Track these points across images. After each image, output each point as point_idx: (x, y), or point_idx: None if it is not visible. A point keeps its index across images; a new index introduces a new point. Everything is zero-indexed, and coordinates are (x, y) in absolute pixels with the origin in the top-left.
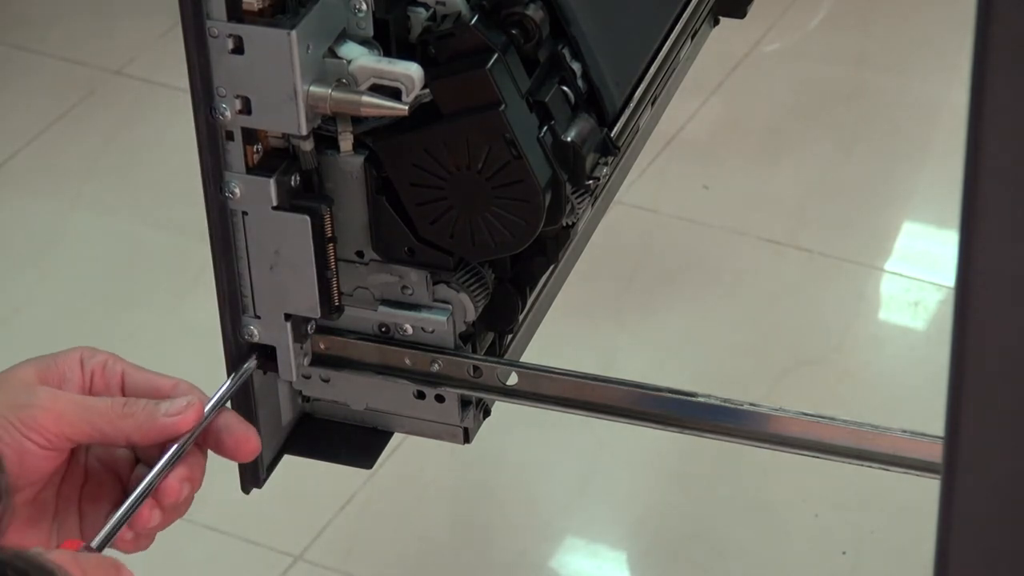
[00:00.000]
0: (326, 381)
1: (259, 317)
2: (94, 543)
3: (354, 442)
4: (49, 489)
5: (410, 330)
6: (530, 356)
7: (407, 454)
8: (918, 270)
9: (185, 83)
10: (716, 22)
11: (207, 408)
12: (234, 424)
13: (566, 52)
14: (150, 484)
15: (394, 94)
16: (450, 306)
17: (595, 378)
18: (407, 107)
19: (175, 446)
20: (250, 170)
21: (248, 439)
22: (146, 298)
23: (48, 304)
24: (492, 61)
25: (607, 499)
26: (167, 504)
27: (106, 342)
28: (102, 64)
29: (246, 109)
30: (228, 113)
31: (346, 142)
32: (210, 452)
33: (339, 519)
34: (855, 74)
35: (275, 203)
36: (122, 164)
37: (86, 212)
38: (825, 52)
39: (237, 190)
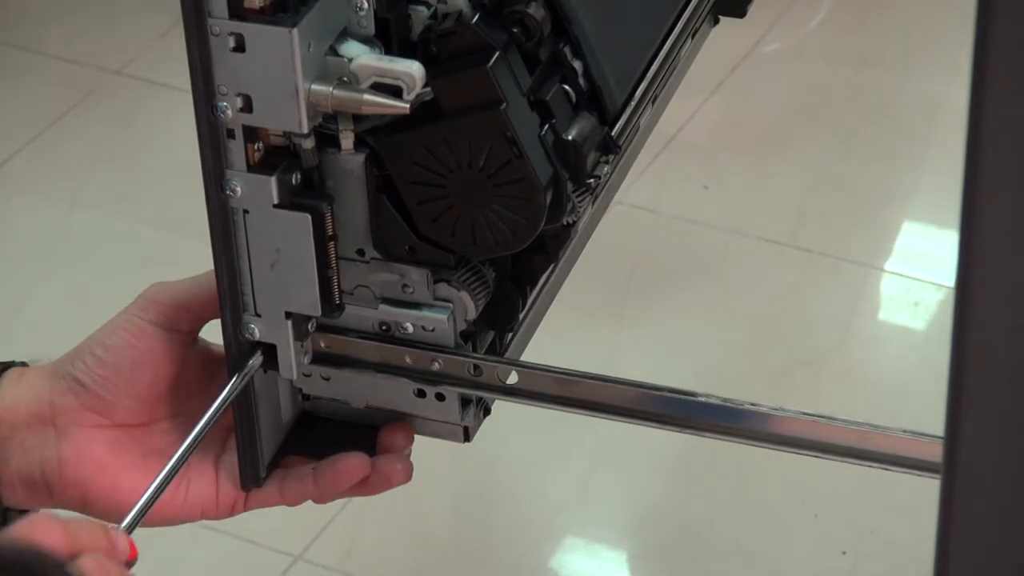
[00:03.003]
0: (327, 379)
1: (260, 315)
2: (124, 524)
3: (354, 440)
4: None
5: (411, 328)
6: (530, 355)
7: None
8: (918, 270)
9: (185, 83)
10: (716, 21)
11: (212, 410)
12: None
13: (567, 51)
14: (174, 466)
15: (395, 92)
16: (451, 304)
17: (595, 377)
18: (408, 105)
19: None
20: (251, 168)
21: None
22: None
23: (48, 304)
24: (493, 60)
25: (607, 499)
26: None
27: None
28: (102, 64)
29: (247, 107)
30: (229, 111)
31: (347, 140)
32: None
33: (339, 519)
34: (855, 74)
35: (276, 201)
36: (122, 164)
37: (86, 212)
38: (825, 52)
39: (238, 188)
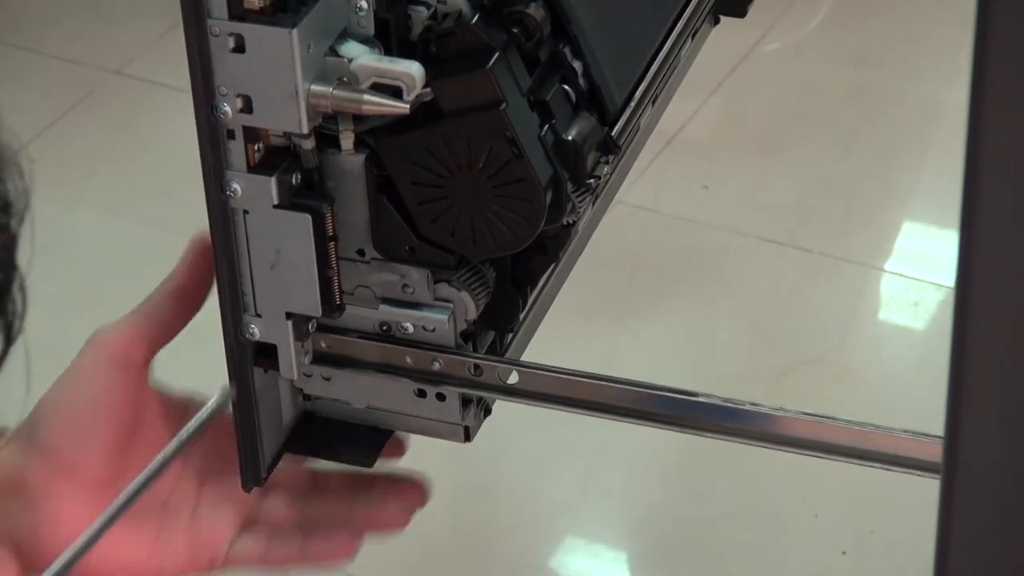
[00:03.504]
0: (327, 379)
1: (260, 316)
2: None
3: (355, 440)
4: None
5: (411, 328)
6: (530, 355)
7: (407, 453)
8: (918, 270)
9: (185, 83)
10: (716, 21)
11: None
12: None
13: (567, 51)
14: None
15: (395, 93)
16: (451, 305)
17: (595, 377)
18: (408, 106)
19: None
20: (251, 169)
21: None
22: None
23: (48, 304)
24: (493, 60)
25: (607, 499)
26: None
27: None
28: (102, 64)
29: (247, 108)
30: (229, 112)
31: (347, 141)
32: None
33: None
34: (855, 74)
35: (276, 202)
36: (122, 164)
37: (86, 212)
38: (825, 52)
39: (238, 189)
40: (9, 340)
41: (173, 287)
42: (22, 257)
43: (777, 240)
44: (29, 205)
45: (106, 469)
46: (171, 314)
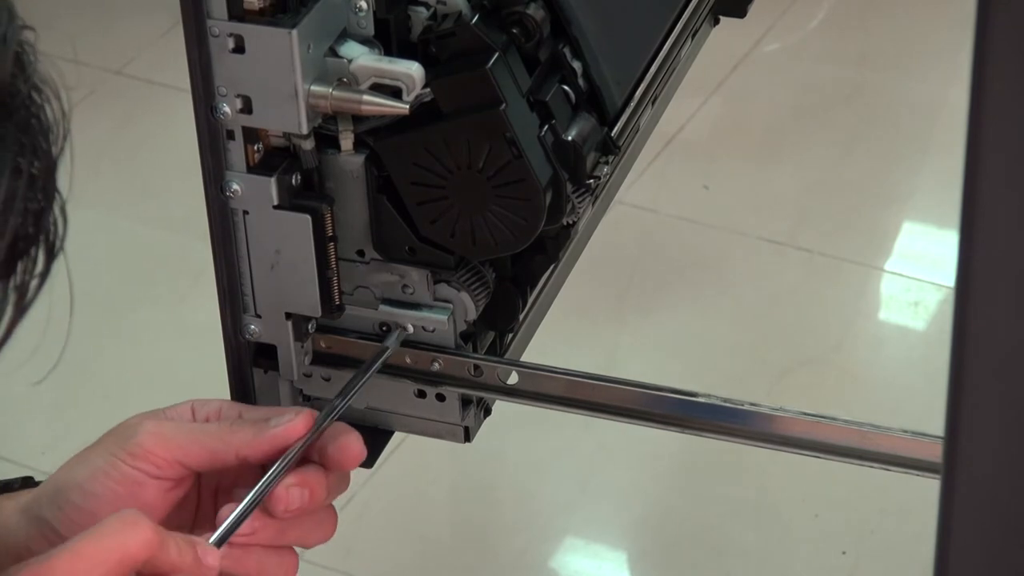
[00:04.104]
0: (327, 380)
1: (260, 316)
2: (212, 540)
3: None
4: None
5: (411, 329)
6: (530, 356)
7: (407, 454)
8: (918, 270)
9: (185, 83)
10: (716, 21)
11: (320, 417)
12: (338, 431)
13: (567, 51)
14: (261, 490)
15: (395, 93)
16: (451, 305)
17: (595, 377)
18: (408, 106)
19: (286, 454)
20: (251, 169)
21: (350, 445)
22: (146, 298)
23: (48, 304)
24: (493, 60)
25: (607, 499)
26: (278, 510)
27: (107, 342)
28: (102, 64)
29: (247, 108)
30: (229, 112)
31: (347, 141)
32: None
33: (339, 519)
34: (855, 74)
35: (276, 202)
36: (122, 164)
37: (86, 212)
38: (825, 52)
39: (238, 189)
40: (51, 257)
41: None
42: (62, 182)
43: (777, 240)
44: (69, 131)
45: None
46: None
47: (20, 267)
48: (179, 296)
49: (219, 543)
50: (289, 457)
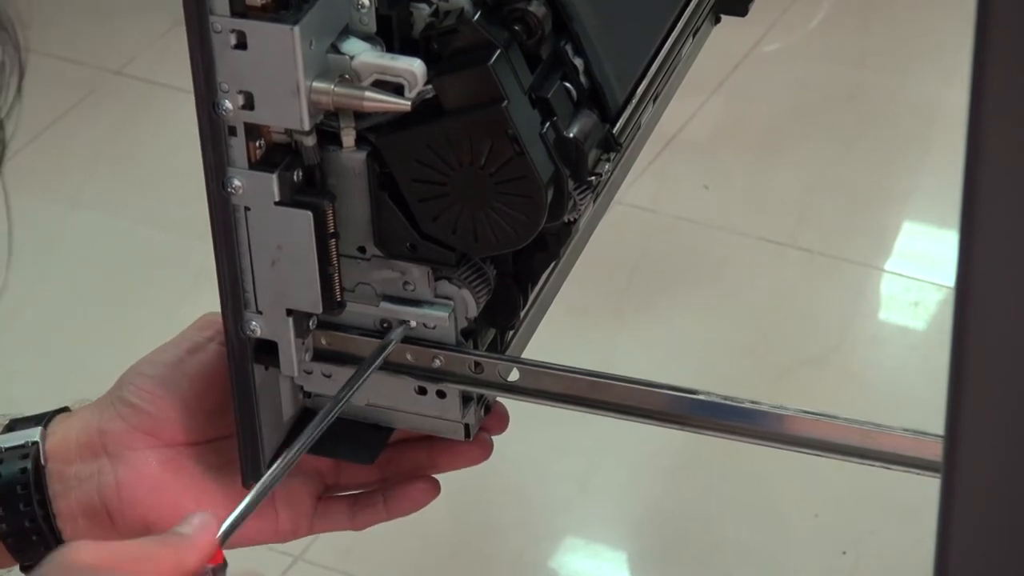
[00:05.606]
0: (327, 376)
1: (261, 312)
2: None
3: (355, 438)
4: None
5: (412, 325)
6: (531, 353)
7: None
8: (918, 270)
9: (185, 83)
10: (717, 20)
11: (325, 411)
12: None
13: (568, 48)
14: (262, 490)
15: (397, 90)
16: (452, 302)
17: (596, 375)
18: (410, 103)
19: (288, 450)
20: (253, 166)
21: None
22: (146, 297)
23: (48, 304)
24: (495, 57)
25: (607, 497)
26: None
27: (106, 341)
28: (102, 64)
29: (249, 104)
30: (231, 108)
31: (348, 138)
32: None
33: None
34: (855, 74)
35: (277, 199)
36: (122, 164)
37: (86, 212)
38: (825, 52)
39: (240, 185)
40: None
41: None
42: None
43: (777, 240)
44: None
45: (188, 434)
46: None
47: None
48: (179, 296)
49: (222, 541)
50: (291, 457)
